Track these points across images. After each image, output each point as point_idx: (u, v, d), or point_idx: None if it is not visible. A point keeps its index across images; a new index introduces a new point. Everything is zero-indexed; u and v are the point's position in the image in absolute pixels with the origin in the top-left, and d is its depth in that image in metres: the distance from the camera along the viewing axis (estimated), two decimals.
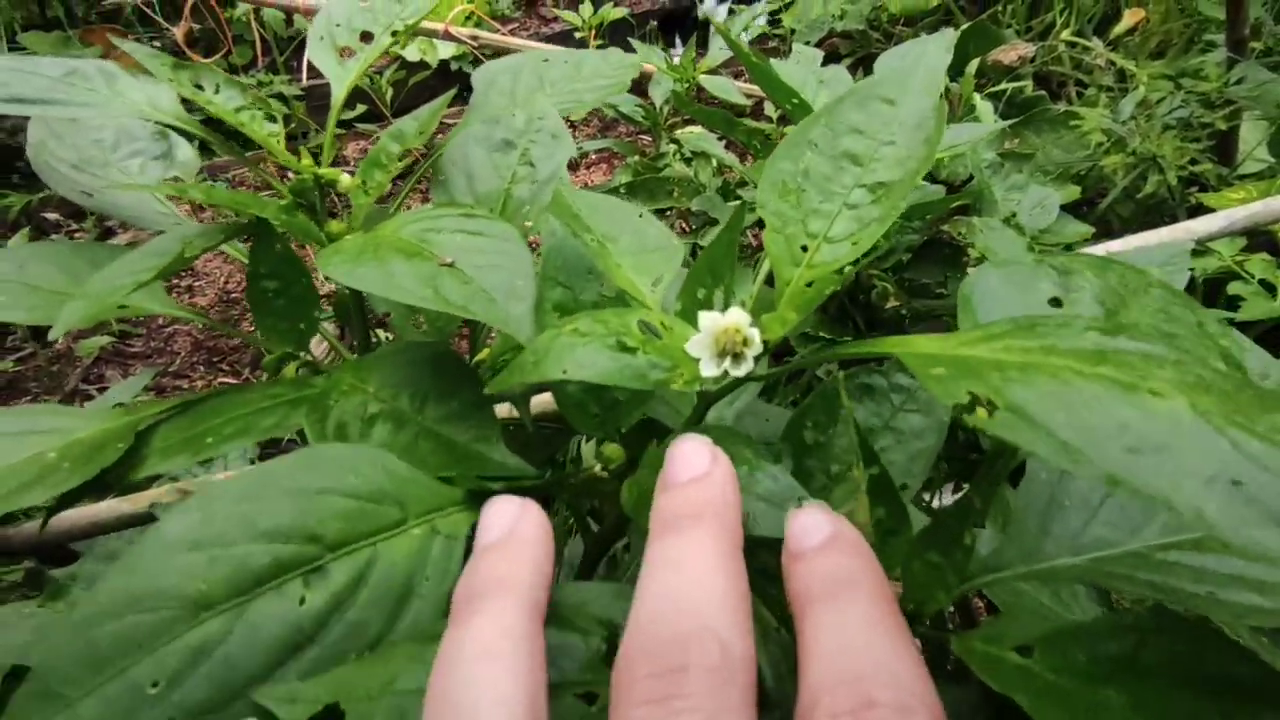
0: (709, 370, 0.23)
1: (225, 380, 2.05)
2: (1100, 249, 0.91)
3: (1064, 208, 2.19)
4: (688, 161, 1.01)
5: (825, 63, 2.65)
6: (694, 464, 0.21)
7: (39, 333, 2.16)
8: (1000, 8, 2.61)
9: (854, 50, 2.75)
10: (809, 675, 0.17)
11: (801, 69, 0.77)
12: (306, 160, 0.41)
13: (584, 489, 0.29)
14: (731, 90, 1.53)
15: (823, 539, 0.19)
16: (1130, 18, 2.35)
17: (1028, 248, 0.67)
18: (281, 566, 0.22)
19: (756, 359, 0.23)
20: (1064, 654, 0.19)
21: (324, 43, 0.46)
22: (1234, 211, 0.89)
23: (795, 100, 0.62)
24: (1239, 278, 1.05)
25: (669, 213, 0.90)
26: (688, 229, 0.90)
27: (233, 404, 0.34)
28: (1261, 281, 1.05)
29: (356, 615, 0.22)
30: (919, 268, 0.74)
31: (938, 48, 0.31)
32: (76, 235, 2.58)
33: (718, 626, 0.17)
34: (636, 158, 1.24)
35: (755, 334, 0.23)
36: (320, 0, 1.82)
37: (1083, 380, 0.16)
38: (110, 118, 0.41)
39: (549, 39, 3.11)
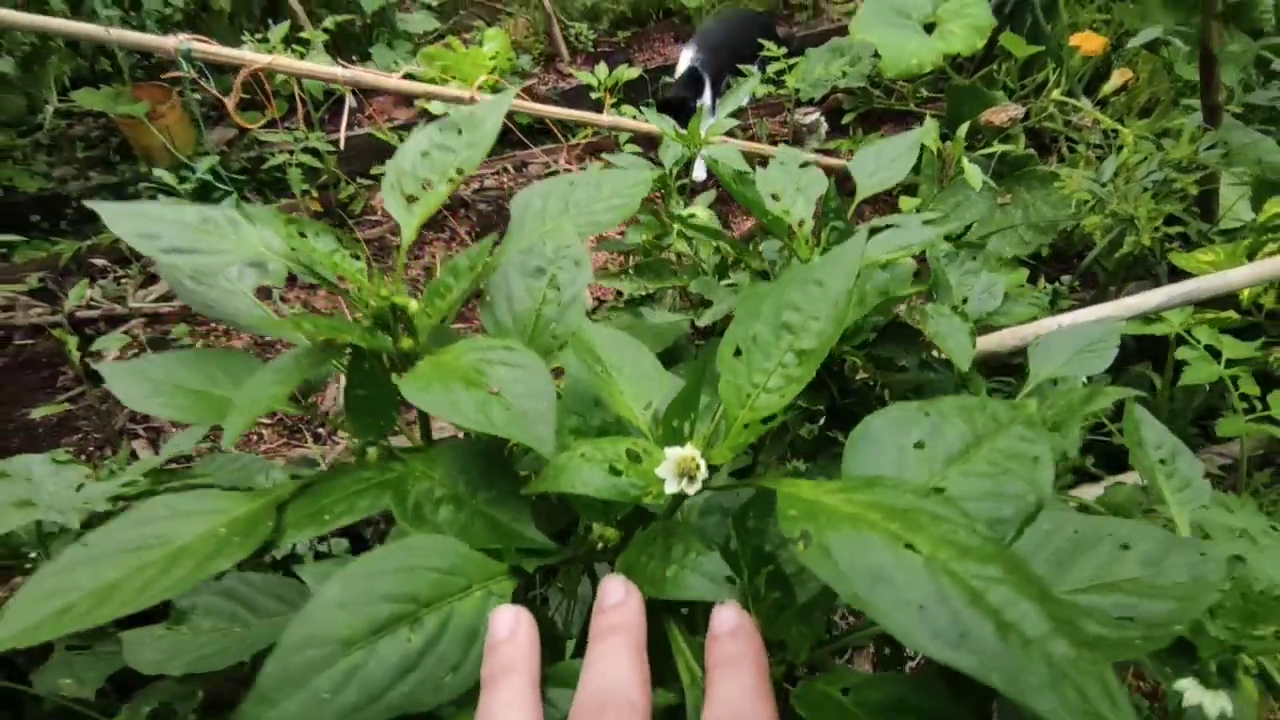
0: (671, 488, 0.35)
1: (262, 421, 2.19)
2: (1052, 321, 1.03)
3: (1052, 261, 2.31)
4: (690, 239, 1.14)
5: (829, 117, 2.84)
6: (614, 595, 0.34)
7: (92, 375, 2.31)
8: (995, 66, 2.75)
9: (856, 106, 2.91)
10: (708, 716, 0.30)
11: (783, 174, 0.90)
12: (384, 290, 0.54)
13: (589, 559, 0.41)
14: (735, 157, 1.63)
15: (730, 628, 0.32)
16: (1119, 77, 2.48)
17: (970, 331, 0.78)
18: (395, 618, 0.34)
19: (705, 481, 0.35)
20: (864, 693, 0.30)
21: (394, 190, 0.59)
22: (1172, 288, 1.00)
23: (770, 217, 0.75)
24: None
25: (670, 291, 1.03)
26: (688, 304, 1.03)
27: (337, 487, 0.47)
28: (1207, 347, 1.15)
29: (442, 650, 0.34)
30: (884, 346, 0.86)
31: (861, 241, 0.41)
32: (123, 280, 2.76)
33: (628, 693, 0.30)
34: (648, 217, 1.36)
35: (703, 464, 0.35)
36: (352, 73, 2.00)
37: (873, 532, 0.28)
38: (240, 258, 0.54)
39: (565, 94, 3.30)
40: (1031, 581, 0.27)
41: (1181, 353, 1.17)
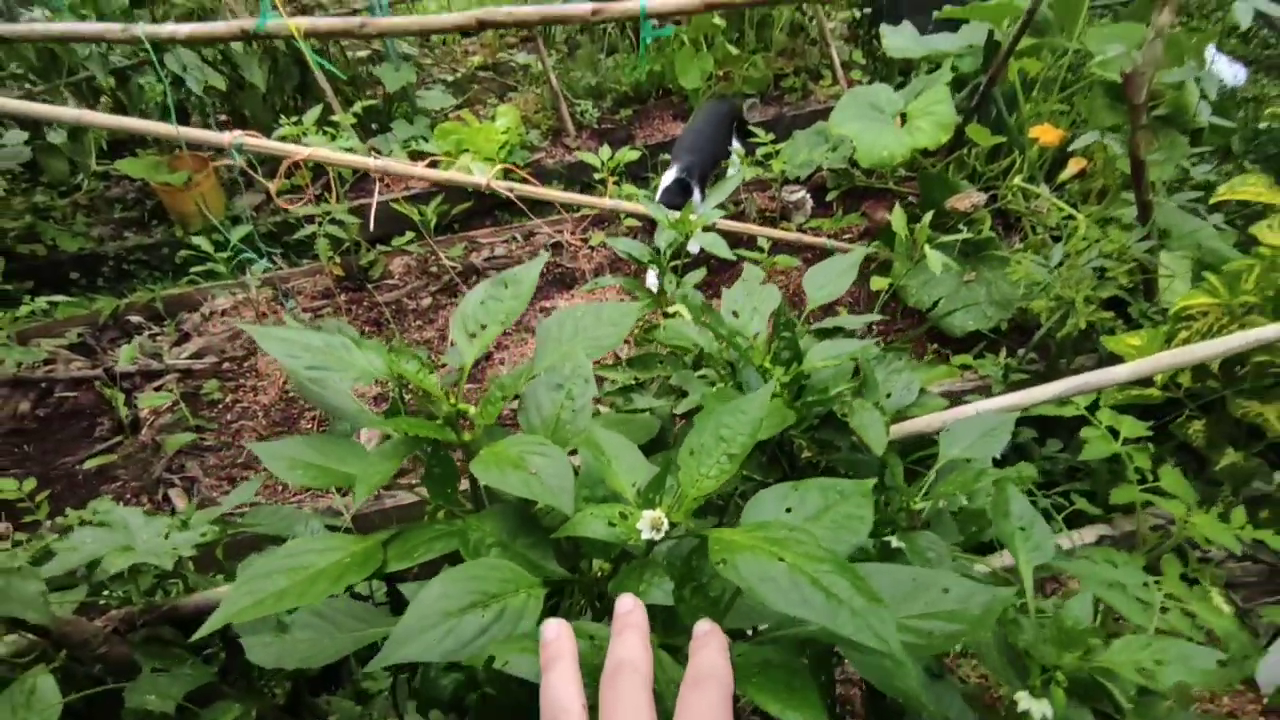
0: (645, 536, 0.60)
1: None
2: (971, 409, 1.27)
3: (1012, 334, 2.58)
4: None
5: (814, 194, 3.19)
6: (627, 604, 0.57)
7: (135, 425, 2.56)
8: (966, 151, 3.06)
9: (839, 184, 3.22)
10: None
11: (744, 292, 1.16)
12: (453, 400, 0.79)
13: (592, 583, 0.65)
14: (720, 245, 1.86)
15: (704, 633, 0.54)
16: (1074, 166, 2.79)
17: (885, 423, 1.02)
18: (473, 604, 0.58)
19: (667, 531, 0.60)
20: (747, 655, 0.55)
21: (460, 329, 0.84)
22: (1066, 382, 1.26)
23: (728, 335, 1.01)
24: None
25: (655, 380, 1.28)
26: (672, 390, 1.27)
27: (422, 534, 0.71)
28: (1109, 428, 1.40)
29: (501, 624, 0.58)
30: (824, 431, 1.10)
31: (768, 390, 0.64)
32: (158, 337, 3.02)
33: (639, 662, 0.52)
34: (644, 293, 1.61)
35: (666, 521, 0.60)
36: (382, 163, 2.29)
37: (761, 554, 0.53)
38: (355, 374, 0.78)
39: (571, 167, 3.62)
40: (847, 570, 0.52)
41: (1085, 432, 1.41)
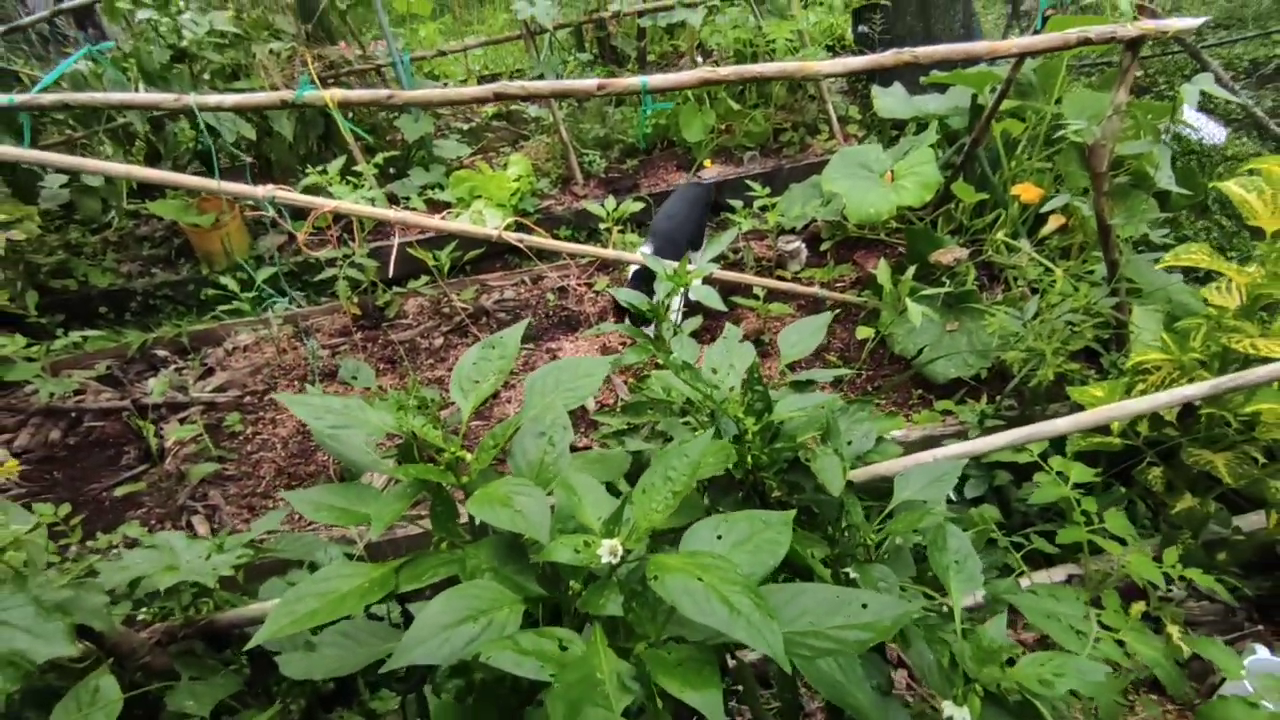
0: (605, 560, 0.75)
1: None
2: (928, 455, 1.42)
3: (993, 381, 2.71)
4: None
5: (810, 243, 3.40)
6: None
7: (161, 454, 2.73)
8: (953, 206, 3.24)
9: (833, 234, 3.41)
10: None
11: (723, 349, 1.32)
12: (453, 447, 0.95)
13: (568, 600, 0.81)
14: (714, 297, 2.00)
15: None
16: (1054, 222, 2.95)
17: (845, 469, 1.17)
18: (467, 617, 0.74)
19: (622, 556, 0.75)
20: (676, 654, 0.70)
21: (457, 385, 1.01)
22: (1014, 432, 1.40)
23: (711, 392, 1.17)
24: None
25: (645, 425, 1.44)
26: (661, 436, 1.43)
27: (429, 561, 0.87)
28: (1059, 473, 1.54)
29: (489, 632, 0.73)
30: (791, 474, 1.25)
31: (706, 438, 0.80)
32: (183, 371, 3.21)
33: None
34: (644, 342, 1.77)
35: (620, 549, 0.76)
36: (401, 215, 2.48)
37: (686, 574, 0.68)
38: (370, 429, 0.95)
39: (578, 213, 3.82)
40: (751, 591, 0.67)
41: (1037, 477, 1.55)
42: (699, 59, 4.61)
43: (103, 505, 2.67)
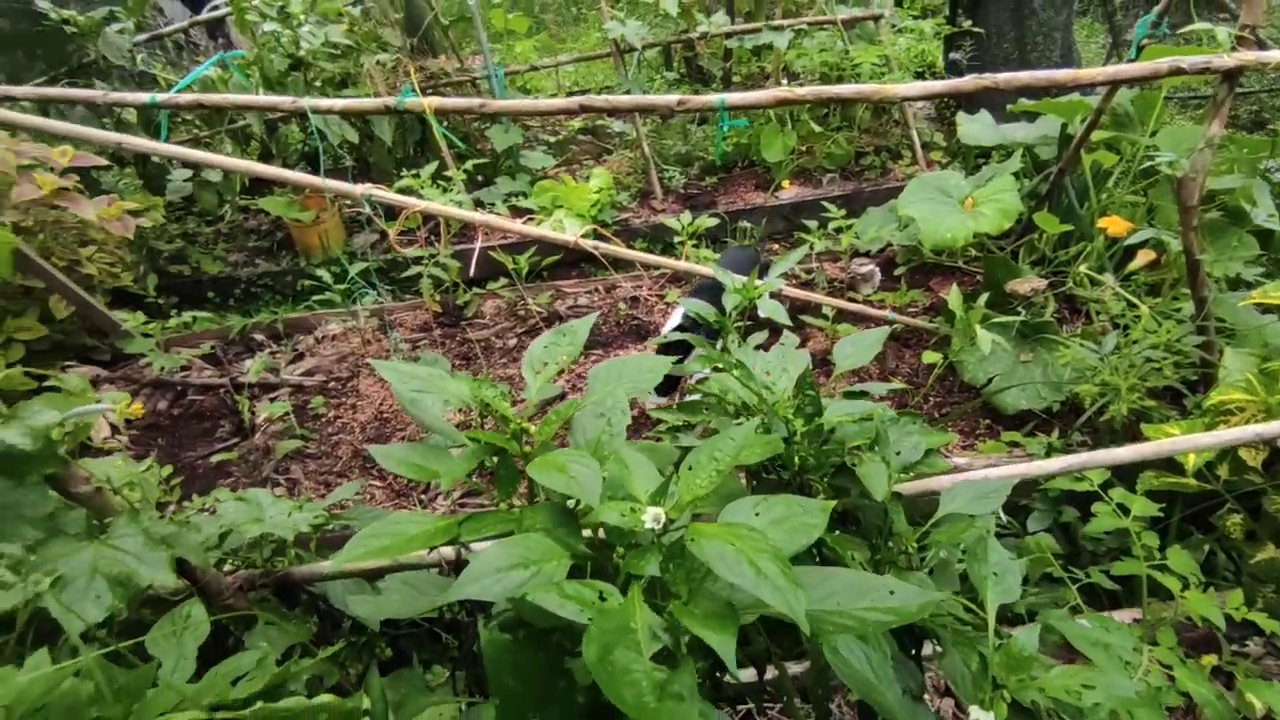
0: (648, 526, 0.82)
1: (372, 483, 2.74)
2: (979, 474, 1.43)
3: (1068, 415, 2.65)
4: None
5: (884, 268, 3.43)
6: None
7: (251, 429, 2.96)
8: (1036, 236, 3.19)
9: (909, 260, 3.40)
10: None
11: (778, 355, 1.38)
12: (518, 420, 1.04)
13: (610, 565, 0.88)
14: (781, 312, 2.02)
15: None
16: (1143, 257, 2.88)
17: (892, 477, 1.20)
18: (519, 564, 0.82)
19: (664, 525, 0.82)
20: (705, 606, 0.76)
21: (529, 366, 1.10)
22: (1069, 458, 1.40)
23: (762, 393, 1.23)
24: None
25: (699, 424, 1.50)
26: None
27: (489, 518, 0.96)
28: (1119, 505, 1.52)
29: (538, 578, 0.81)
30: (839, 478, 1.29)
31: (748, 428, 0.85)
32: (276, 354, 3.45)
33: None
34: (711, 350, 1.83)
35: (664, 516, 0.82)
36: (486, 217, 2.63)
37: (722, 541, 0.74)
38: (445, 396, 1.05)
39: (654, 227, 3.93)
40: (780, 560, 0.73)
41: (1095, 507, 1.53)
42: (784, 81, 4.68)
43: (197, 471, 2.91)
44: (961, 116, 3.29)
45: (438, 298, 3.39)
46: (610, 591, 0.80)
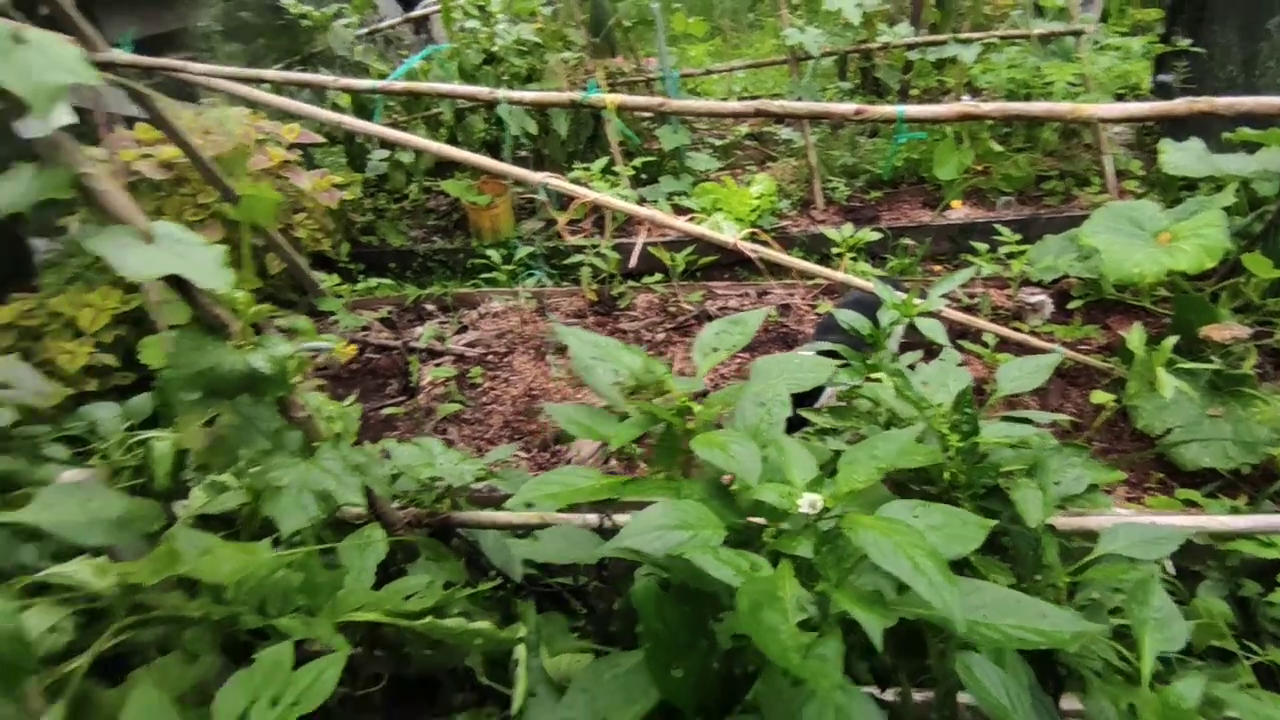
0: (803, 510, 0.87)
1: (518, 453, 2.93)
2: (1145, 518, 1.36)
3: (1261, 480, 2.46)
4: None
5: (1058, 299, 3.28)
6: None
7: (416, 390, 3.24)
8: (1243, 279, 2.90)
9: (1086, 294, 3.20)
10: None
11: (938, 370, 1.38)
12: (684, 398, 1.11)
13: (760, 543, 0.94)
14: (939, 331, 1.98)
15: None
16: None
17: (1048, 507, 1.17)
18: (678, 525, 0.90)
19: (819, 512, 0.87)
20: (861, 588, 0.80)
21: (700, 349, 1.17)
22: (1254, 518, 1.30)
23: (920, 403, 1.23)
24: None
25: (849, 430, 1.52)
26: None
27: (650, 484, 1.04)
28: None
29: (696, 541, 0.88)
30: (990, 500, 1.27)
31: (913, 431, 0.87)
32: (444, 324, 3.75)
33: None
34: (858, 363, 1.83)
35: (820, 503, 0.87)
36: (650, 212, 2.75)
37: (880, 533, 0.78)
38: (618, 365, 1.14)
39: (812, 238, 3.91)
40: (937, 558, 0.76)
41: None
42: (966, 97, 4.50)
43: (368, 421, 3.23)
44: (1166, 143, 3.04)
45: (594, 287, 3.56)
46: (761, 564, 0.85)
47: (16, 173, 1.11)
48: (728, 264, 3.96)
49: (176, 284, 1.22)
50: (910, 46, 4.14)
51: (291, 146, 3.80)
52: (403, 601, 1.19)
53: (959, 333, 3.02)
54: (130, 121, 3.49)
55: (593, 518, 1.54)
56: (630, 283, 3.65)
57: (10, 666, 0.73)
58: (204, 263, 1.14)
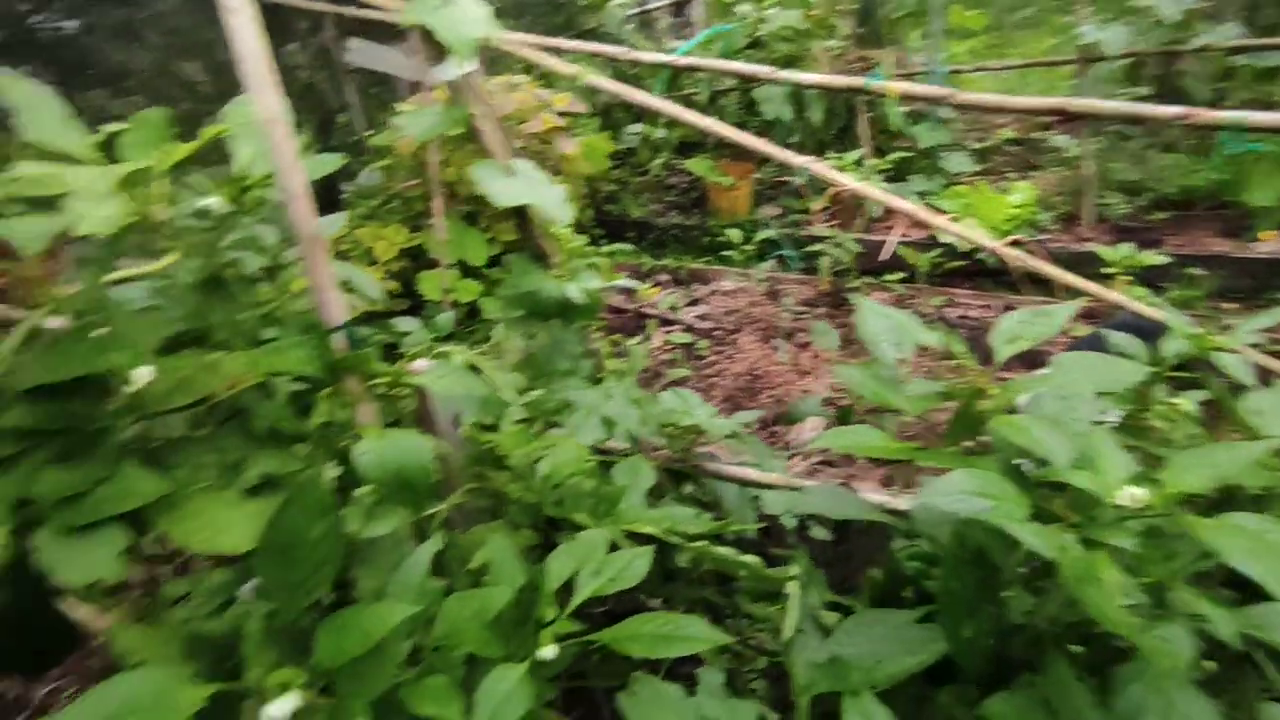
0: (1120, 501, 0.86)
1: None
2: None
3: None
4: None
5: None
6: None
7: (652, 352, 3.43)
8: None
9: None
10: None
11: (1274, 396, 1.25)
12: (983, 378, 1.12)
13: (1057, 520, 0.93)
14: (1243, 369, 1.79)
15: None
16: None
17: None
18: (976, 493, 0.92)
19: (1139, 507, 0.85)
20: None
21: (1000, 337, 1.17)
22: None
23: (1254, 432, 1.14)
24: None
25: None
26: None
27: (945, 454, 1.07)
28: None
29: (997, 514, 0.90)
30: None
31: (1254, 448, 0.81)
32: (675, 294, 3.90)
33: None
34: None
35: (1144, 495, 0.85)
36: (908, 206, 2.68)
37: (1225, 531, 0.76)
38: (913, 339, 1.17)
39: (1072, 256, 3.62)
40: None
41: None
42: None
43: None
44: None
45: (830, 278, 3.55)
46: (1070, 544, 0.85)
47: (425, 110, 1.35)
48: (971, 273, 3.77)
49: (515, 213, 1.42)
50: (1236, 50, 3.65)
51: (561, 114, 4.15)
52: (675, 522, 1.31)
53: (1266, 376, 2.66)
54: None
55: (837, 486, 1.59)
56: (866, 278, 3.60)
57: (421, 492, 0.94)
58: (552, 198, 1.32)
